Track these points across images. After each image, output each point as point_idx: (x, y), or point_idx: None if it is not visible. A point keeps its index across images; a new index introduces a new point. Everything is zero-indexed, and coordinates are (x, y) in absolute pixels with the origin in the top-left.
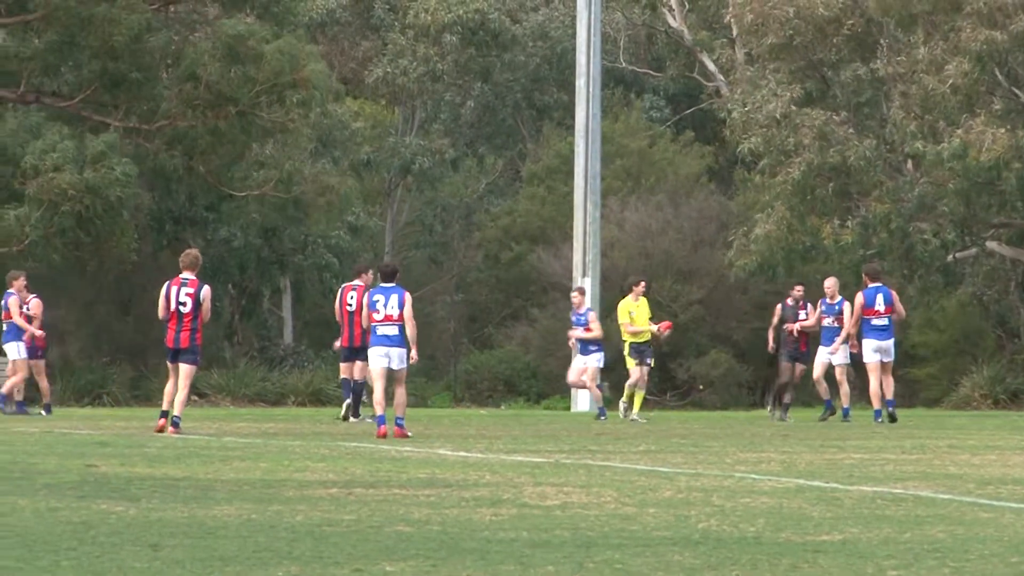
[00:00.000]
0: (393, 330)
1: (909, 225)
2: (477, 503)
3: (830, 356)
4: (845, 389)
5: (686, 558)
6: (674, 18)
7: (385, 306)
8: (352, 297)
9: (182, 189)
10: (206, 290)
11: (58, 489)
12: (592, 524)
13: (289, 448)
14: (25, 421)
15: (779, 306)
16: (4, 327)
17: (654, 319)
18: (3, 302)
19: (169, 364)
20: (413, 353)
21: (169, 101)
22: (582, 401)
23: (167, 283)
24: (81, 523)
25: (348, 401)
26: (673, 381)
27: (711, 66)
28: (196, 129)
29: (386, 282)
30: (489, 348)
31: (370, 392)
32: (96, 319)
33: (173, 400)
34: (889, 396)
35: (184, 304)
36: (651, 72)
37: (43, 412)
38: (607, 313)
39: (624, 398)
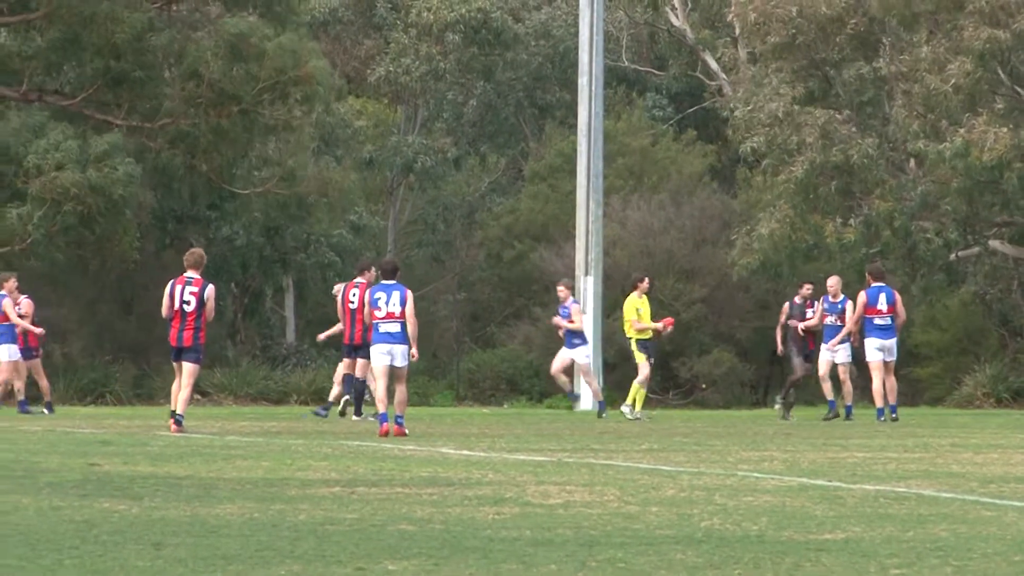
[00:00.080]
0: (395, 327)
1: (912, 224)
2: (480, 502)
3: (832, 355)
4: (848, 388)
5: (689, 557)
6: (677, 17)
7: (387, 303)
8: (354, 294)
9: (184, 188)
10: (210, 289)
11: (61, 488)
12: (595, 523)
13: (291, 447)
14: (28, 420)
15: (787, 304)
16: None
17: (654, 317)
18: None
19: (174, 363)
20: (413, 350)
21: (171, 100)
22: (584, 400)
23: (171, 281)
24: (84, 522)
25: (347, 397)
26: (676, 380)
27: (714, 65)
28: (198, 127)
29: (387, 279)
30: (491, 347)
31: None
32: (99, 318)
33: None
34: (892, 399)
35: (188, 303)
36: (654, 71)
37: (45, 411)
38: (609, 312)
39: (629, 400)
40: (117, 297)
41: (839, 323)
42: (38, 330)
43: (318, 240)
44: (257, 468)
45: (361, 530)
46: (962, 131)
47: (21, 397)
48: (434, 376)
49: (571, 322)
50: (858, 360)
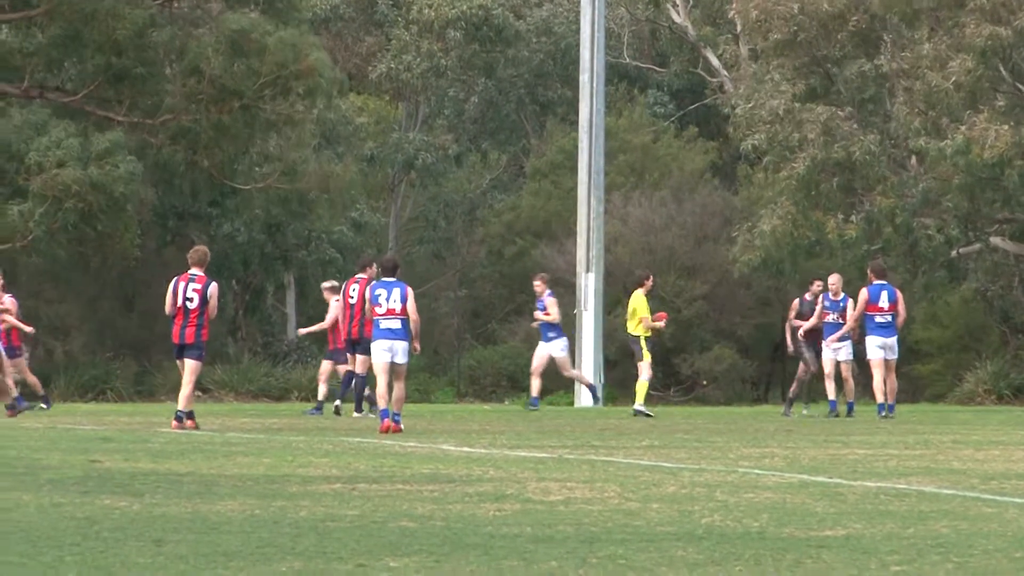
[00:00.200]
0: (396, 324)
1: (913, 220)
2: (481, 498)
3: (835, 353)
4: (850, 385)
5: (690, 553)
6: (678, 14)
7: (387, 300)
8: (354, 290)
9: (186, 184)
10: (213, 287)
11: (62, 484)
12: (595, 519)
13: (292, 444)
14: (28, 417)
15: (796, 301)
16: None
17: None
18: None
19: (176, 360)
20: (415, 344)
21: (173, 96)
22: (585, 397)
23: (175, 278)
24: (85, 518)
25: (338, 403)
26: (677, 376)
27: (715, 62)
28: (200, 124)
29: (387, 276)
30: (492, 344)
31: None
32: (100, 315)
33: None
34: (892, 398)
35: (191, 300)
36: (655, 68)
37: (43, 405)
38: (611, 308)
39: (640, 400)
40: (118, 294)
41: (840, 321)
42: (29, 329)
43: (319, 237)
44: (258, 465)
45: (362, 527)
46: (963, 128)
47: (15, 394)
48: (435, 373)
49: (547, 314)
50: (859, 357)
